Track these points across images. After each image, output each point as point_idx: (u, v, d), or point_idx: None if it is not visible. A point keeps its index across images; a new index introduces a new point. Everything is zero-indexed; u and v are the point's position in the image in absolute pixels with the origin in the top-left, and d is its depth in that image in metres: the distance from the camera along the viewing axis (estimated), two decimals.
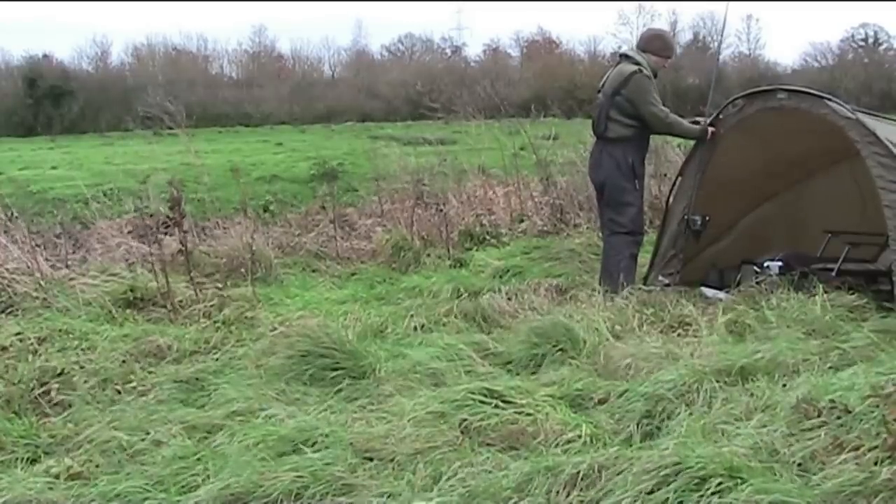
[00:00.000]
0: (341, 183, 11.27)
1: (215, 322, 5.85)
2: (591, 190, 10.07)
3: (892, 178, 5.77)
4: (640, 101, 6.60)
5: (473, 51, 56.40)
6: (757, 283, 6.26)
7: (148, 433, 4.00)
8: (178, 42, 42.36)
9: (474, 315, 5.94)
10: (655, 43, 6.90)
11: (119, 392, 4.64)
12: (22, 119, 32.15)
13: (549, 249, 8.41)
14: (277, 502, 3.33)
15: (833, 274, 6.27)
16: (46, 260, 7.02)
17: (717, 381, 4.25)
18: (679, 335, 5.39)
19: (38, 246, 7.22)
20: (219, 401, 4.45)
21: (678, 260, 6.80)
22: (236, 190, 9.66)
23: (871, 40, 40.53)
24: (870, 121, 6.04)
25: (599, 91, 6.87)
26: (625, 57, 6.84)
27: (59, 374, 4.68)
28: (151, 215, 7.89)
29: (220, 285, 6.51)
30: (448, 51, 44.53)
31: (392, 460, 3.67)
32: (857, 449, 3.33)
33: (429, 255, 8.14)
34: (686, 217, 6.71)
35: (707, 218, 6.68)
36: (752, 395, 4.11)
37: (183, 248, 6.57)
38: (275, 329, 5.53)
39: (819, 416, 3.64)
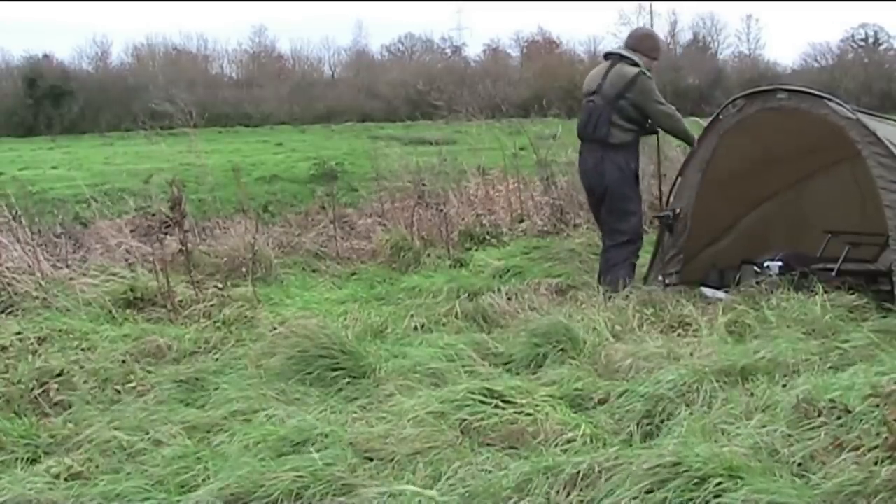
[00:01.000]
0: (341, 183, 11.28)
1: (215, 322, 5.85)
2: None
3: (893, 178, 5.77)
4: (648, 101, 6.53)
5: (473, 51, 56.45)
6: (757, 283, 6.26)
7: (148, 433, 4.00)
8: (178, 42, 42.48)
9: (474, 315, 5.94)
10: (647, 43, 6.80)
11: (119, 392, 4.64)
12: (22, 119, 32.18)
13: (549, 249, 8.41)
14: (277, 502, 3.33)
15: (833, 274, 6.27)
16: (47, 260, 7.02)
17: (717, 381, 4.25)
18: (679, 335, 5.39)
19: (38, 246, 7.21)
20: (219, 401, 4.45)
21: (679, 259, 6.80)
22: (236, 190, 9.67)
23: (871, 40, 40.57)
24: (870, 121, 6.04)
25: (594, 93, 6.63)
26: (620, 57, 6.68)
27: (59, 374, 4.68)
28: (153, 215, 7.89)
29: (220, 285, 6.51)
30: (448, 51, 44.58)
31: (392, 460, 3.67)
32: (857, 449, 3.33)
33: (429, 255, 8.14)
34: (668, 214, 6.68)
35: (678, 211, 6.62)
36: (752, 395, 4.11)
37: (183, 248, 6.57)
38: (275, 329, 5.53)
39: (819, 416, 3.64)
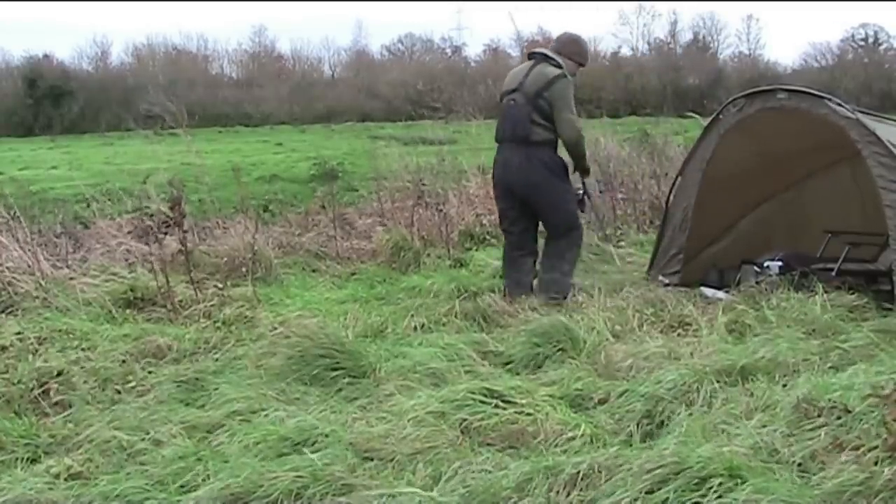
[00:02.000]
0: (341, 183, 11.27)
1: (215, 322, 5.85)
2: (589, 191, 10.11)
3: (893, 178, 5.77)
4: (561, 105, 6.28)
5: (473, 51, 56.40)
6: (757, 283, 6.26)
7: (148, 433, 4.00)
8: (178, 42, 42.40)
9: (474, 315, 5.94)
10: (572, 47, 6.60)
11: (119, 392, 4.64)
12: (22, 119, 32.16)
13: None
14: (277, 502, 3.33)
15: (833, 274, 6.27)
16: (46, 260, 7.02)
17: (717, 381, 4.25)
18: (679, 335, 5.39)
19: (38, 246, 7.21)
20: (219, 401, 4.44)
21: (679, 259, 6.80)
22: (236, 190, 9.67)
23: (871, 40, 40.54)
24: (870, 121, 6.04)
25: (512, 91, 6.40)
26: (543, 56, 6.49)
27: (59, 374, 4.67)
28: (152, 215, 7.89)
29: (220, 285, 6.50)
30: (448, 51, 44.52)
31: (392, 460, 3.67)
32: (857, 449, 3.33)
33: (429, 255, 8.14)
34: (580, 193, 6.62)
35: (600, 182, 6.60)
36: (752, 395, 4.11)
37: (183, 248, 6.57)
38: (275, 329, 5.53)
39: (819, 416, 3.64)
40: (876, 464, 3.18)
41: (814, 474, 3.26)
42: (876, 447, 3.28)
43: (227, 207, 9.60)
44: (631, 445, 3.75)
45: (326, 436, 3.84)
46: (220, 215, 9.13)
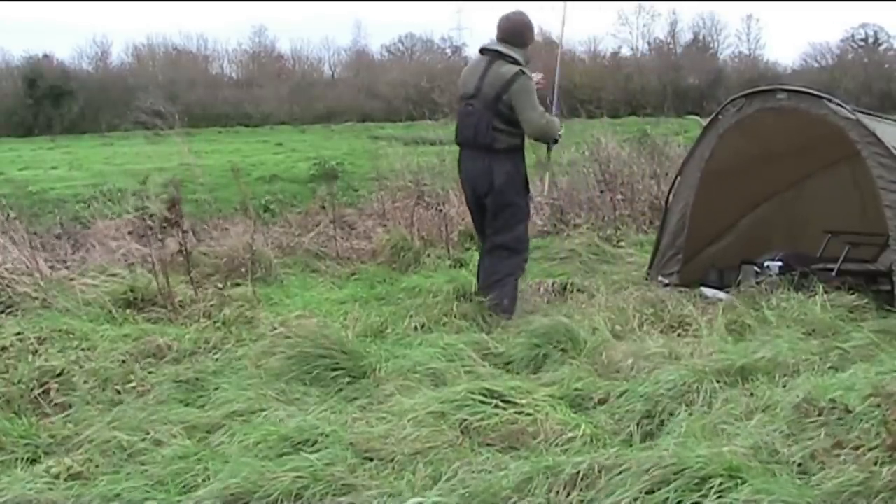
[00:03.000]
0: (341, 183, 11.27)
1: (215, 322, 5.84)
2: (590, 192, 10.13)
3: (893, 178, 5.78)
4: (522, 105, 5.82)
5: (473, 51, 56.23)
6: (757, 283, 6.26)
7: (148, 433, 4.00)
8: (178, 42, 42.30)
9: (474, 315, 5.93)
10: (525, 34, 6.03)
11: (119, 392, 4.63)
12: (22, 119, 32.16)
13: (549, 249, 8.43)
14: (277, 502, 3.33)
15: (833, 274, 6.28)
16: (46, 260, 7.02)
17: (717, 381, 4.26)
18: (679, 335, 5.40)
19: (37, 246, 7.21)
20: (219, 401, 4.44)
21: (678, 259, 6.80)
22: (236, 190, 9.67)
23: (871, 40, 40.55)
24: (870, 121, 6.04)
25: (472, 97, 5.93)
26: (496, 54, 5.95)
27: (59, 374, 4.67)
28: (152, 216, 7.88)
29: (220, 285, 6.50)
30: (448, 51, 44.49)
31: (392, 460, 3.67)
32: (857, 449, 3.34)
33: (429, 255, 8.14)
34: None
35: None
36: (752, 395, 4.11)
37: (183, 248, 6.57)
38: (275, 329, 5.52)
39: (819, 416, 3.64)
40: (876, 464, 3.19)
41: (814, 474, 3.27)
42: (876, 447, 3.29)
43: (226, 207, 9.61)
44: (631, 445, 3.75)
45: (326, 436, 3.83)
46: (219, 215, 9.13)
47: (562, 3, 6.52)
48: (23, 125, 31.68)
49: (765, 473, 3.24)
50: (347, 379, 4.65)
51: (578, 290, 6.62)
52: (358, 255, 8.36)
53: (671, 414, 4.01)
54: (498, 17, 6.02)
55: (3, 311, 6.06)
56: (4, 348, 5.19)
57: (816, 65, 40.18)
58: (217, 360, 5.15)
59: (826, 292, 5.73)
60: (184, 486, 3.49)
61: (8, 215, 7.36)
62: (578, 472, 3.29)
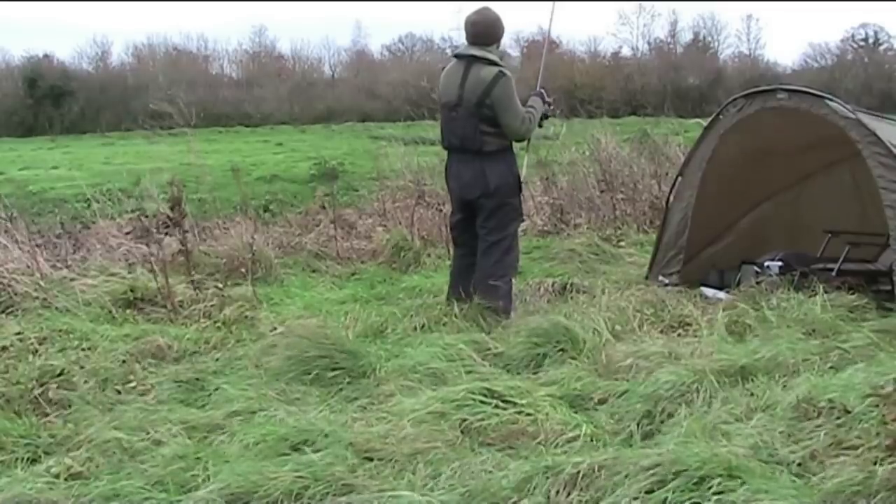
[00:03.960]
0: (341, 183, 11.28)
1: (215, 322, 5.85)
2: (590, 192, 10.13)
3: (893, 178, 5.77)
4: (503, 107, 5.75)
5: None
6: (757, 283, 6.26)
7: (148, 433, 4.00)
8: (178, 42, 42.36)
9: (474, 315, 5.93)
10: (497, 31, 5.93)
11: (119, 392, 4.63)
12: (22, 119, 32.19)
13: (549, 249, 8.43)
14: (277, 502, 3.33)
15: (833, 274, 6.27)
16: (46, 260, 7.02)
17: (717, 381, 4.25)
18: (679, 335, 5.39)
19: (38, 246, 7.21)
20: (219, 401, 4.45)
21: (678, 259, 6.80)
22: (236, 190, 9.67)
23: (871, 40, 40.55)
24: (870, 121, 6.04)
25: (456, 105, 5.84)
26: (472, 58, 5.84)
27: (59, 374, 4.68)
28: (154, 216, 7.89)
29: (220, 285, 6.50)
30: (448, 51, 44.44)
31: (392, 460, 3.66)
32: (856, 449, 3.34)
33: (429, 255, 8.14)
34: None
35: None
36: (752, 395, 4.11)
37: (183, 248, 6.57)
38: (275, 329, 5.53)
39: (819, 416, 3.64)
40: (875, 464, 3.19)
41: (813, 474, 3.27)
42: (875, 447, 3.29)
43: (227, 207, 9.61)
44: (631, 445, 3.76)
45: (326, 436, 3.83)
46: (220, 215, 9.13)
47: (552, 1, 6.48)
48: (23, 125, 31.70)
49: (764, 473, 3.24)
50: (347, 379, 4.66)
51: (578, 291, 6.61)
52: (358, 254, 8.36)
53: (671, 414, 4.01)
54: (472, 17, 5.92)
55: (3, 311, 6.06)
56: (4, 348, 5.20)
57: (816, 65, 40.23)
58: (217, 360, 5.15)
59: (826, 292, 5.73)
60: (184, 486, 3.49)
61: (11, 215, 7.35)
62: (578, 472, 3.29)
